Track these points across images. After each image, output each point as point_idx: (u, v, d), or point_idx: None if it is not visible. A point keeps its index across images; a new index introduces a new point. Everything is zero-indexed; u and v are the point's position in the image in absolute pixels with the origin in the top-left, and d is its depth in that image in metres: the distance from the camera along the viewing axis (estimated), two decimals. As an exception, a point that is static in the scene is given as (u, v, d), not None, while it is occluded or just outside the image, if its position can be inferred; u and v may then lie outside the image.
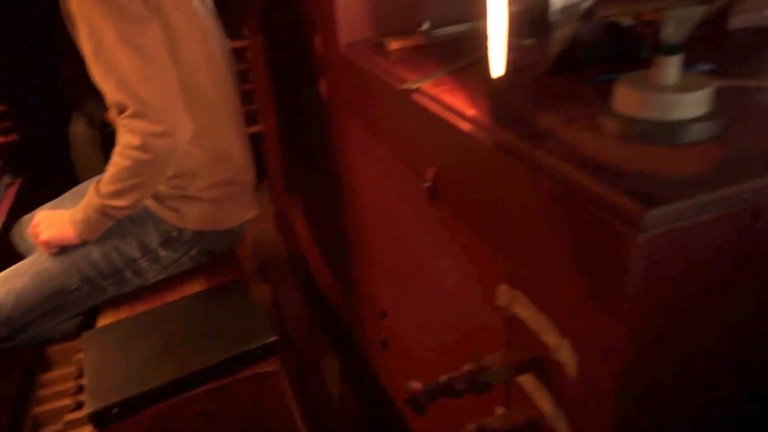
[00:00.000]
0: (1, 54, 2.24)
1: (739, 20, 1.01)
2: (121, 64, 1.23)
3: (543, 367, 0.67)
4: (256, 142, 2.65)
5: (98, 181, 1.36)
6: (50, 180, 2.46)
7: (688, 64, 0.66)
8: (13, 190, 1.82)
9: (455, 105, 0.80)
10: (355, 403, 1.79)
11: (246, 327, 1.26)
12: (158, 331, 1.29)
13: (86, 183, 1.74)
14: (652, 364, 0.57)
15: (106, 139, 2.48)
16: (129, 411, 1.11)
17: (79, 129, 2.49)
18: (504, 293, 0.73)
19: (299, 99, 1.78)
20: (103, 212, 1.35)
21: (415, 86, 0.89)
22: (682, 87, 0.64)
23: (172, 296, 1.48)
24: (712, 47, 0.94)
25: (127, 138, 1.27)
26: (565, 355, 0.64)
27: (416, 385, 0.68)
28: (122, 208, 1.34)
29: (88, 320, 1.51)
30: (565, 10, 0.56)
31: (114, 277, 1.44)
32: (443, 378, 0.69)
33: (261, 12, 1.93)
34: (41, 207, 1.68)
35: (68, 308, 1.44)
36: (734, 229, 0.55)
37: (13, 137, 2.02)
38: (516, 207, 0.68)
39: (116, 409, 1.09)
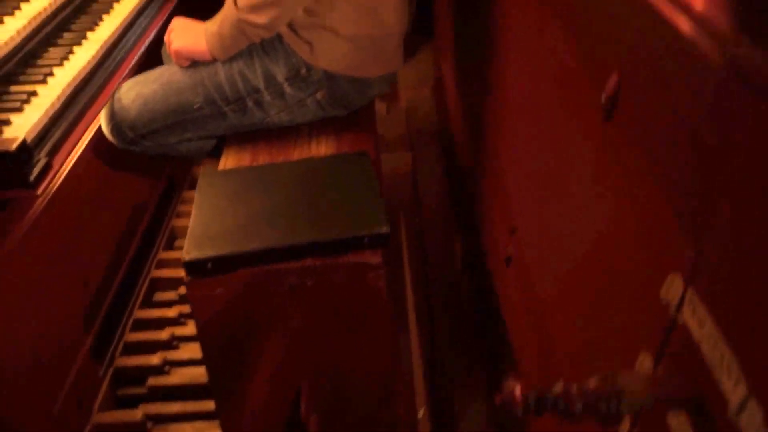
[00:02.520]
0: None
1: None
2: None
3: (706, 415, 0.46)
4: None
5: None
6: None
7: None
8: (170, 6, 1.76)
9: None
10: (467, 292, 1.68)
11: (360, 209, 1.13)
12: (272, 188, 1.21)
13: None
14: None
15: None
16: (224, 268, 1.06)
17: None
18: (674, 287, 0.50)
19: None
20: (238, 27, 1.25)
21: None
22: None
23: (298, 151, 1.39)
24: None
25: None
26: (751, 424, 0.42)
27: (516, 388, 0.50)
28: (257, 26, 1.24)
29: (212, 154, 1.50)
30: None
31: (236, 104, 1.37)
32: (557, 388, 0.50)
33: None
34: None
35: (190, 127, 1.41)
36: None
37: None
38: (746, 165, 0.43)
39: (211, 264, 1.05)
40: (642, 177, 0.59)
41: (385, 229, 1.08)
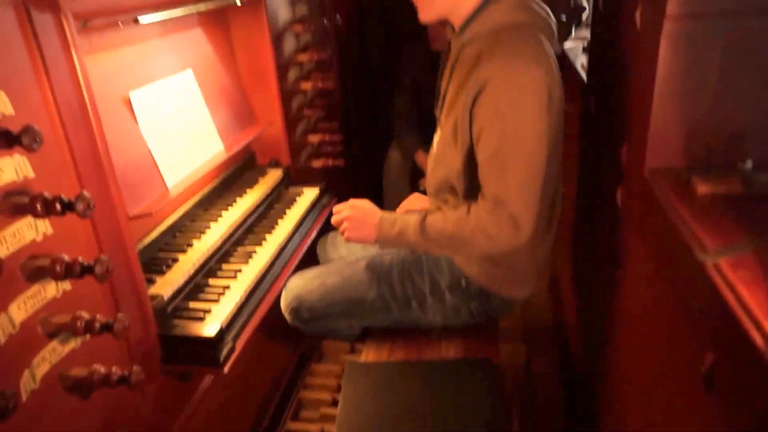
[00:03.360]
0: (345, 92, 2.63)
1: None
2: (522, 163, 1.30)
3: None
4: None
5: (426, 218, 1.45)
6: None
7: None
8: (329, 209, 2.13)
9: (750, 304, 0.71)
10: None
11: (486, 416, 1.30)
12: (408, 386, 1.41)
13: None
14: None
15: (414, 172, 2.77)
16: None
17: (395, 158, 2.83)
18: None
19: (600, 180, 1.74)
20: (414, 246, 1.48)
21: (713, 260, 0.81)
22: None
23: (429, 350, 1.60)
24: None
25: (488, 225, 1.35)
26: None
27: None
28: (432, 253, 1.50)
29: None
30: None
31: (402, 303, 1.61)
32: None
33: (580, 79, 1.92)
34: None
35: (358, 316, 1.67)
36: None
37: (341, 162, 2.36)
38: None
39: (356, 452, 1.24)
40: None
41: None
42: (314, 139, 2.31)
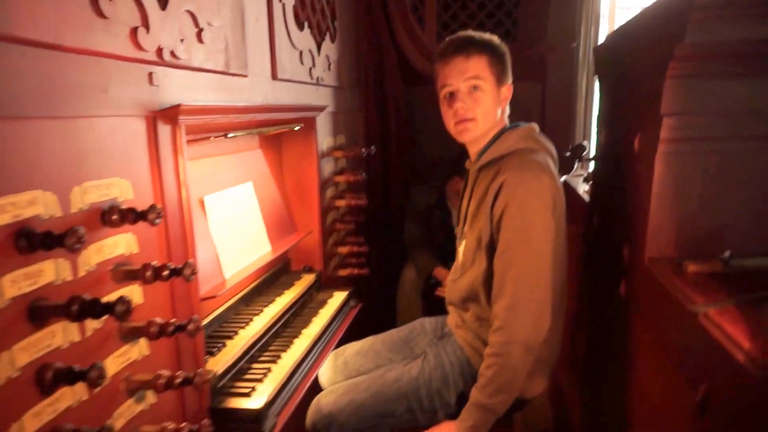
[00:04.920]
0: (371, 210, 2.93)
1: None
2: (528, 261, 1.52)
3: None
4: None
5: (473, 392, 1.58)
6: (376, 309, 3.02)
7: None
8: (354, 312, 2.32)
9: (735, 335, 0.90)
10: None
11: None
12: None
13: (397, 334, 2.07)
14: None
15: (427, 290, 2.99)
16: None
17: (409, 274, 3.06)
18: None
19: (602, 278, 1.93)
20: (494, 410, 1.56)
21: (703, 310, 1.01)
22: None
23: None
24: None
25: (507, 323, 1.53)
26: None
27: None
28: (502, 403, 1.55)
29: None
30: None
31: (430, 413, 1.71)
32: None
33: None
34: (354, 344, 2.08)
35: (386, 427, 1.74)
36: None
37: (365, 271, 2.59)
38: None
39: None
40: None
41: None
42: (343, 250, 2.55)
